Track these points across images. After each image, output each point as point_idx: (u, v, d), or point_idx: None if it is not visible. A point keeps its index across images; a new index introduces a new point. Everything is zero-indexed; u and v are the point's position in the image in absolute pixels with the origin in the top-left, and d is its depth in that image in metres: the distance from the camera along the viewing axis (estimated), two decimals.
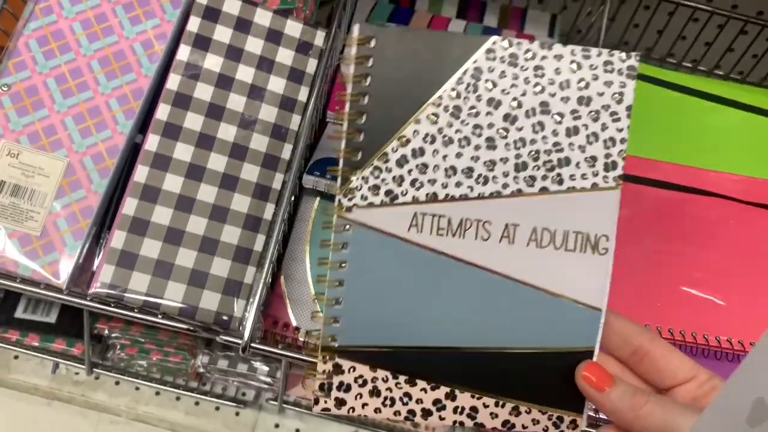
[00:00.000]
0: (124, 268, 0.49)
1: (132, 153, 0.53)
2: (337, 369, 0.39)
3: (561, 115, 0.39)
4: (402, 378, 0.40)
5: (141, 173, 0.51)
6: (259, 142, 0.54)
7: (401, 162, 0.39)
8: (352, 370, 0.39)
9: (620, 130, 0.39)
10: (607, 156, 0.39)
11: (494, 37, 0.38)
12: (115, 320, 0.67)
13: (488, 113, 0.39)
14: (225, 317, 0.51)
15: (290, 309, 0.56)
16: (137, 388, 0.75)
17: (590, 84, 0.39)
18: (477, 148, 0.39)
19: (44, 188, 0.50)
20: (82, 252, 0.50)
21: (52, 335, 0.69)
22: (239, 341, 0.50)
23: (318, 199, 0.58)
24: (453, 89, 0.38)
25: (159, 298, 0.50)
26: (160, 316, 0.50)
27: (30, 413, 0.73)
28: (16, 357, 0.75)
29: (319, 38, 0.56)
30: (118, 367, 0.71)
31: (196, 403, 0.75)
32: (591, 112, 0.39)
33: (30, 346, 0.69)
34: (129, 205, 0.50)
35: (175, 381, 0.74)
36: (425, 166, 0.39)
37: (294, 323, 0.56)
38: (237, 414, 0.75)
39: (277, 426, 0.75)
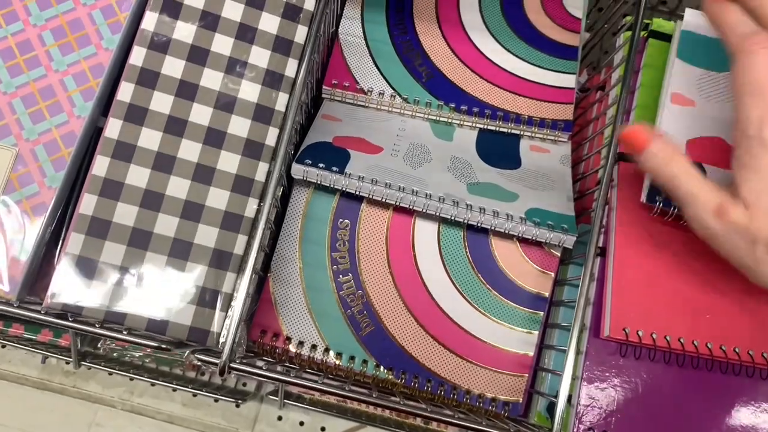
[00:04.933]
0: (82, 276, 0.43)
1: (94, 140, 0.46)
2: None
3: None
4: None
5: (100, 165, 0.44)
6: (239, 126, 0.46)
7: None
8: None
9: None
10: None
11: None
12: None
13: None
14: (201, 332, 0.44)
15: (280, 316, 0.49)
16: (131, 379, 0.70)
17: None
18: None
19: None
20: (35, 257, 0.44)
21: (37, 325, 0.64)
22: (217, 361, 0.43)
23: (311, 189, 0.50)
24: None
25: (124, 309, 0.43)
26: (124, 332, 0.43)
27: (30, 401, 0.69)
28: (3, 346, 0.71)
29: (309, 1, 0.48)
30: (110, 358, 0.66)
31: (194, 395, 0.70)
32: None
33: (15, 337, 0.63)
34: (87, 203, 0.43)
35: (171, 371, 0.68)
36: None
37: (285, 332, 0.49)
38: (237, 406, 0.70)
39: (280, 419, 0.69)
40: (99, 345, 0.66)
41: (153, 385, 0.70)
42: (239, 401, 0.69)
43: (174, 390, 0.70)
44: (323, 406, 0.66)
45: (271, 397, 0.67)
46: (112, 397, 0.69)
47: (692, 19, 0.49)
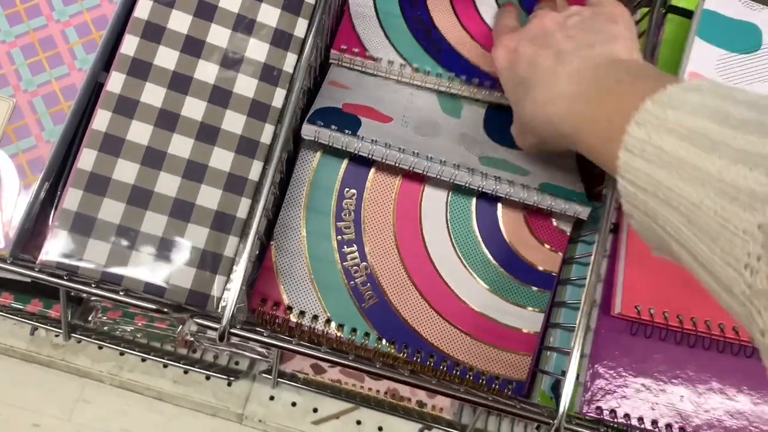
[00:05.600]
0: (78, 234, 0.41)
1: (95, 95, 0.44)
2: None
3: None
4: None
5: (101, 119, 0.42)
6: (245, 86, 0.44)
7: None
8: None
9: None
10: None
11: None
12: None
13: None
14: (201, 296, 0.43)
15: (281, 284, 0.48)
16: (121, 354, 0.68)
17: None
18: None
19: None
20: (30, 213, 0.42)
21: (27, 295, 0.62)
22: (217, 326, 0.42)
23: (319, 155, 0.49)
24: None
25: (121, 271, 0.41)
26: (121, 293, 0.42)
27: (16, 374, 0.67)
28: None
29: None
30: (101, 332, 0.64)
31: (185, 372, 0.68)
32: None
33: (3, 306, 0.62)
34: (86, 158, 0.42)
35: (162, 347, 0.67)
36: None
37: (286, 302, 0.48)
38: (229, 384, 0.68)
39: (272, 398, 0.68)
40: (90, 318, 0.64)
41: (144, 360, 0.68)
42: (231, 379, 0.67)
43: (165, 366, 0.68)
44: (317, 386, 0.64)
45: (264, 375, 0.66)
46: (101, 371, 0.68)
47: (716, 1, 0.48)
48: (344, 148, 0.46)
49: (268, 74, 0.45)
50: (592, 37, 0.42)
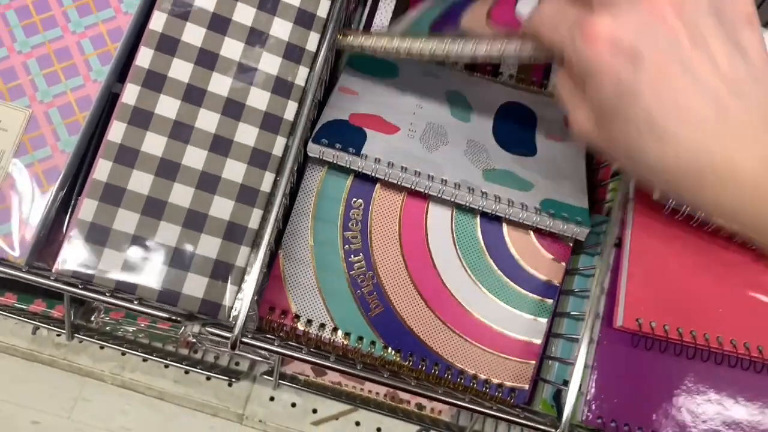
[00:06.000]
0: (94, 243, 0.42)
1: (109, 106, 0.45)
2: None
3: None
4: None
5: (116, 131, 0.43)
6: (258, 99, 0.45)
7: None
8: None
9: None
10: None
11: None
12: None
13: None
14: (213, 305, 0.43)
15: (289, 293, 0.49)
16: (123, 354, 0.69)
17: None
18: None
19: (1, 144, 0.42)
20: (45, 222, 0.42)
21: (30, 295, 0.62)
22: (228, 335, 0.43)
23: (326, 167, 0.50)
24: None
25: (135, 280, 0.42)
26: (135, 302, 0.42)
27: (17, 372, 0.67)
28: None
29: None
30: (103, 332, 0.65)
31: (186, 372, 0.69)
32: None
33: (6, 306, 0.62)
34: (101, 169, 0.42)
35: (164, 348, 0.68)
36: None
37: (294, 310, 0.49)
38: (230, 385, 0.69)
39: (272, 399, 0.69)
40: (92, 318, 0.64)
41: (145, 360, 0.69)
42: (232, 380, 0.68)
43: (166, 366, 0.69)
44: (317, 388, 0.65)
45: (265, 377, 0.67)
46: (103, 371, 0.68)
47: None
48: (348, 166, 0.47)
49: (281, 87, 0.45)
50: (736, 50, 0.31)
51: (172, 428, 0.68)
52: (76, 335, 0.63)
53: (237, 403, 0.69)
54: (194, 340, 0.64)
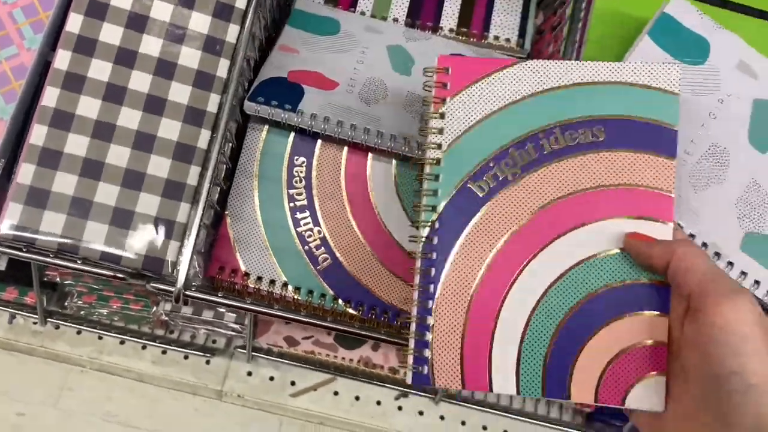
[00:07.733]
0: (33, 206, 0.43)
1: (45, 74, 0.46)
2: None
3: None
4: None
5: (50, 96, 0.44)
6: (189, 58, 0.46)
7: None
8: None
9: None
10: None
11: None
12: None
13: None
14: (156, 261, 0.44)
15: (238, 252, 0.49)
16: (100, 338, 0.70)
17: None
18: None
19: None
20: None
21: (2, 283, 0.63)
22: (172, 288, 0.43)
23: (267, 127, 0.50)
24: None
25: (77, 240, 0.43)
26: (79, 262, 0.43)
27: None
28: None
29: None
30: (78, 316, 0.66)
31: (164, 352, 0.70)
32: None
33: None
34: (37, 134, 0.43)
35: (140, 329, 0.68)
36: None
37: (243, 268, 0.49)
38: (207, 362, 0.70)
39: (250, 374, 0.69)
40: (66, 303, 0.65)
41: (122, 343, 0.69)
42: (209, 357, 0.69)
43: (143, 347, 0.70)
44: (291, 358, 0.66)
45: (240, 351, 0.67)
46: (81, 356, 0.69)
47: (676, 8, 0.49)
48: (285, 123, 0.48)
49: (212, 46, 0.46)
50: None
51: (156, 412, 0.69)
52: (51, 320, 0.64)
53: (215, 380, 0.69)
54: (167, 318, 0.65)
